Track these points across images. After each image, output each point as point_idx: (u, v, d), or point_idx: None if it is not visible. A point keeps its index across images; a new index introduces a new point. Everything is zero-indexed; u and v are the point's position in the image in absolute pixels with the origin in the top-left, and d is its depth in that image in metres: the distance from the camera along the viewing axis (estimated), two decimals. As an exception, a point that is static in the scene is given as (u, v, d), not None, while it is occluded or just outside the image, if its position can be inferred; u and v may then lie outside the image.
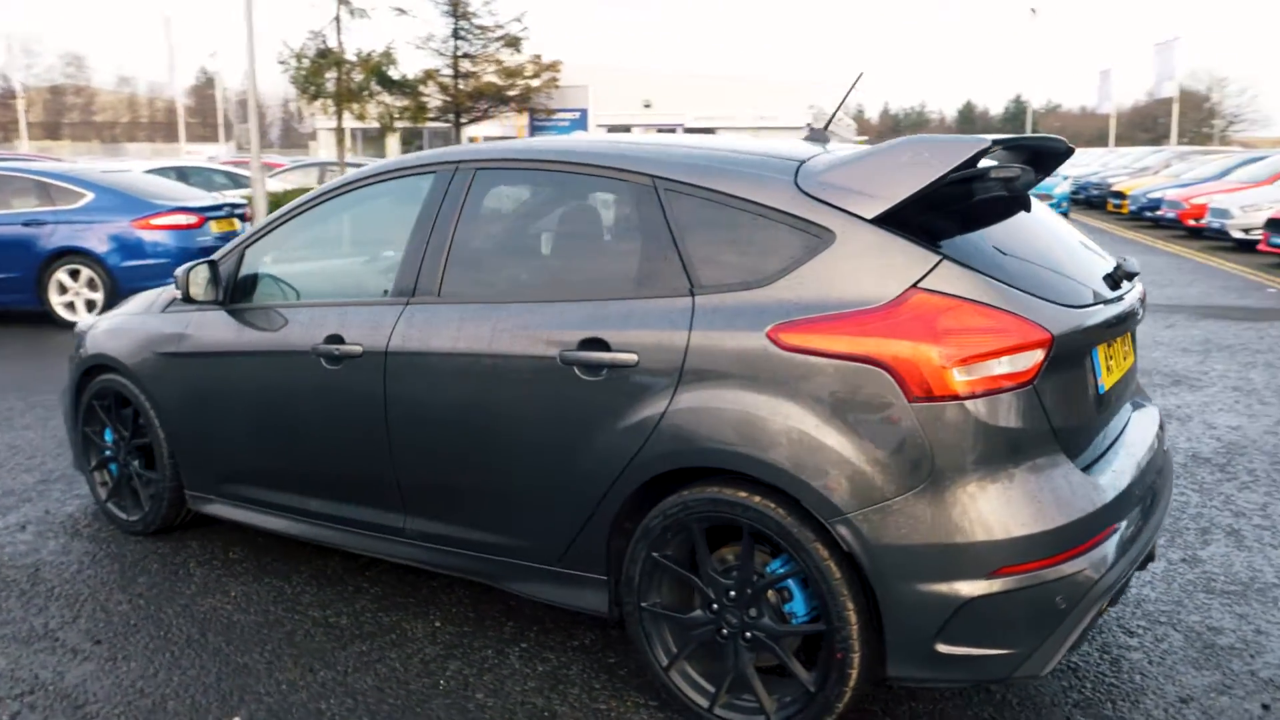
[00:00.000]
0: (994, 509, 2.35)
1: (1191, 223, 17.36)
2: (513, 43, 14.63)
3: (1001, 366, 2.37)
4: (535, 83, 14.92)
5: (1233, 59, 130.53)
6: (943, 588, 2.36)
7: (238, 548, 4.09)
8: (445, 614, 3.48)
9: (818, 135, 3.23)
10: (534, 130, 15.95)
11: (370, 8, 12.97)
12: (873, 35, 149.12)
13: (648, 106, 43.91)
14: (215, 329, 3.74)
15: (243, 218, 10.92)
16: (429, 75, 14.38)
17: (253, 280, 3.77)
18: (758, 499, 2.54)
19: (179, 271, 3.67)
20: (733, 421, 2.52)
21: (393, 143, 46.71)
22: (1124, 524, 2.60)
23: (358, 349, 3.25)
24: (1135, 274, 2.99)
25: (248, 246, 3.76)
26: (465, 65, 14.46)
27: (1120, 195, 22.37)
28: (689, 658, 2.77)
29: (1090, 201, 26.14)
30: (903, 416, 2.37)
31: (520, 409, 2.91)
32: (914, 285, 2.43)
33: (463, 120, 15.09)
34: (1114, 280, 2.87)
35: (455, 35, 14.53)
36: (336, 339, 3.31)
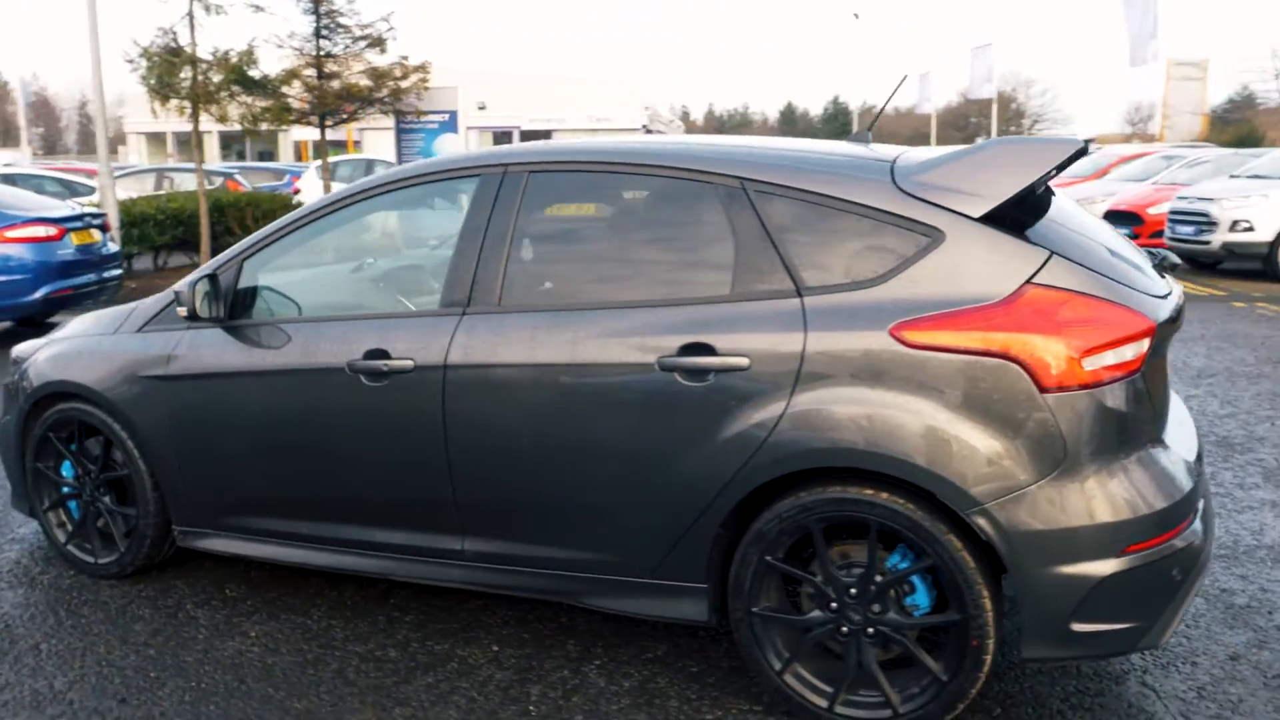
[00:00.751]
0: (1121, 490, 2.46)
1: (1027, 216, 18.58)
2: (378, 43, 14.14)
3: (1116, 356, 2.47)
4: (405, 84, 14.47)
5: (1034, 61, 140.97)
6: (1079, 568, 2.45)
7: (233, 584, 3.79)
8: (497, 636, 3.33)
9: (859, 137, 3.29)
10: (400, 134, 15.44)
11: (227, 4, 12.15)
12: (698, 37, 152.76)
13: (482, 109, 43.39)
14: (216, 348, 3.45)
15: (103, 228, 10.11)
16: (292, 74, 13.69)
17: (257, 294, 3.49)
18: (885, 495, 2.56)
19: (182, 287, 3.35)
20: (861, 420, 2.53)
21: (211, 145, 44.26)
22: (1202, 498, 2.77)
23: (408, 364, 3.06)
24: (1177, 265, 3.18)
25: (248, 258, 3.48)
26: (330, 66, 13.85)
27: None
28: (801, 658, 2.76)
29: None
30: (1035, 407, 2.44)
31: (611, 419, 2.82)
32: (1028, 281, 2.51)
33: (328, 123, 14.45)
34: (1160, 271, 3.05)
35: (317, 34, 13.90)
36: (380, 354, 3.11)
